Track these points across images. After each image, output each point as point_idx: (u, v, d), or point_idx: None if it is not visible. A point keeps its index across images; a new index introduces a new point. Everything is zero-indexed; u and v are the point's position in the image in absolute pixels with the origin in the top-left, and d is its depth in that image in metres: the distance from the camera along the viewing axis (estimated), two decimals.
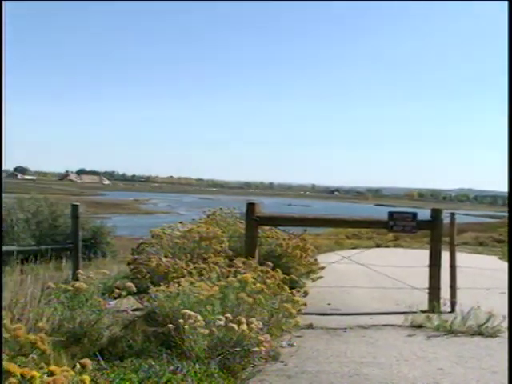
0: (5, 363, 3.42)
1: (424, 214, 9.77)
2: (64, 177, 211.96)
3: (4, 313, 4.68)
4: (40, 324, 5.05)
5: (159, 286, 6.99)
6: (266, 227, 10.92)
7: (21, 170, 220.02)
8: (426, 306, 8.91)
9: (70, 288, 6.16)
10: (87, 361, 3.95)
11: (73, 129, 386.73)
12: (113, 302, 6.39)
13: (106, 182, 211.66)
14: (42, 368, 3.64)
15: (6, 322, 4.42)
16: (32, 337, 4.17)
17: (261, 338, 5.45)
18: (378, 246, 23.67)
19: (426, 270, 9.43)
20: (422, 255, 10.68)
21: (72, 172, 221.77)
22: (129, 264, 9.70)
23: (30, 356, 4.14)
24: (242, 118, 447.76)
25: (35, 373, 3.38)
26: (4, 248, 15.97)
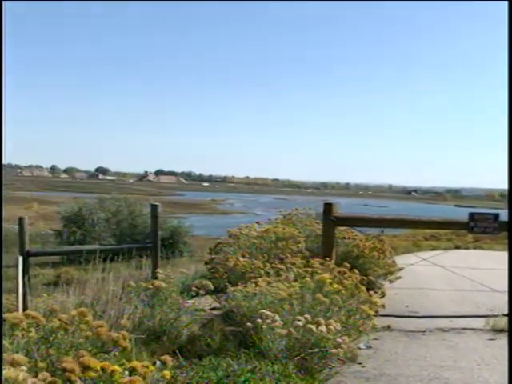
0: (86, 358, 3.51)
1: (506, 214, 9.49)
2: (142, 177, 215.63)
3: (86, 310, 4.79)
4: (122, 321, 5.16)
5: (237, 285, 7.04)
6: (343, 228, 10.85)
7: (101, 170, 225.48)
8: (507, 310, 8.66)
9: (150, 286, 6.28)
10: (167, 357, 4.02)
11: (150, 129, 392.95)
12: (191, 301, 6.48)
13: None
14: (123, 364, 3.71)
15: (89, 318, 4.52)
16: (114, 334, 4.25)
17: (339, 339, 5.42)
18: (457, 247, 23.08)
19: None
20: (504, 257, 10.41)
21: (150, 172, 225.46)
22: (206, 263, 9.81)
23: (112, 353, 4.23)
24: (319, 118, 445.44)
25: (116, 367, 3.45)
26: (87, 247, 16.42)
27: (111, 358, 4.11)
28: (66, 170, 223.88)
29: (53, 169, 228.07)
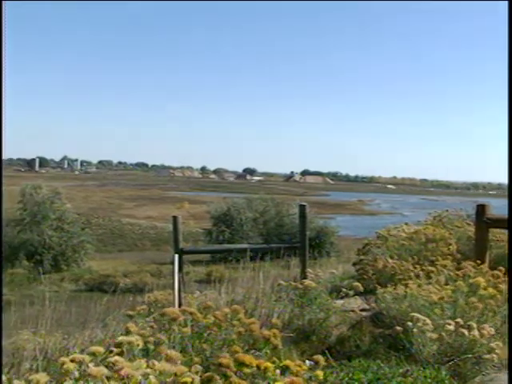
0: (241, 355, 3.60)
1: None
2: (289, 178, 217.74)
3: (238, 307, 4.92)
4: (272, 320, 5.26)
5: (386, 287, 6.97)
6: (496, 230, 10.42)
7: (249, 171, 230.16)
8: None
9: (300, 286, 6.34)
10: (319, 357, 4.04)
11: (295, 129, 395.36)
12: (340, 302, 6.49)
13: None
14: (274, 362, 3.78)
15: (241, 316, 4.64)
16: (266, 332, 4.34)
17: (492, 345, 5.23)
18: None
19: None
20: None
21: (296, 173, 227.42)
22: (354, 264, 9.78)
23: (263, 350, 4.31)
24: (471, 114, 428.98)
25: (269, 364, 3.52)
26: (237, 246, 16.83)
27: (262, 356, 4.20)
28: (215, 171, 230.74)
29: (203, 169, 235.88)
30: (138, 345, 3.73)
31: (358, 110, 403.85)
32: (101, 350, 3.51)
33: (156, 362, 3.36)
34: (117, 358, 3.20)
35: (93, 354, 3.44)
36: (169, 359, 3.45)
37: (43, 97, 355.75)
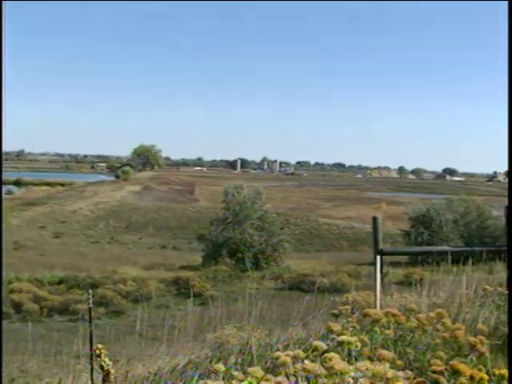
0: (456, 363, 3.51)
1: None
2: (492, 178, 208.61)
3: (442, 311, 4.81)
4: (479, 326, 5.07)
5: None
6: None
7: (449, 171, 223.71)
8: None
9: (506, 292, 6.07)
10: None
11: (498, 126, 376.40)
12: None
13: None
14: (480, 370, 3.64)
15: (446, 321, 4.53)
16: (472, 338, 4.20)
17: None
18: None
19: None
20: None
21: (500, 173, 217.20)
22: None
23: (469, 357, 4.17)
24: None
25: (484, 375, 3.39)
26: (437, 248, 16.38)
27: (467, 363, 4.06)
28: (413, 171, 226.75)
29: (400, 170, 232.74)
30: (356, 346, 3.76)
31: None
32: (323, 345, 3.57)
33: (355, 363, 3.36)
34: (332, 354, 3.23)
35: (315, 349, 3.51)
36: (382, 359, 3.45)
37: (243, 101, 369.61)
